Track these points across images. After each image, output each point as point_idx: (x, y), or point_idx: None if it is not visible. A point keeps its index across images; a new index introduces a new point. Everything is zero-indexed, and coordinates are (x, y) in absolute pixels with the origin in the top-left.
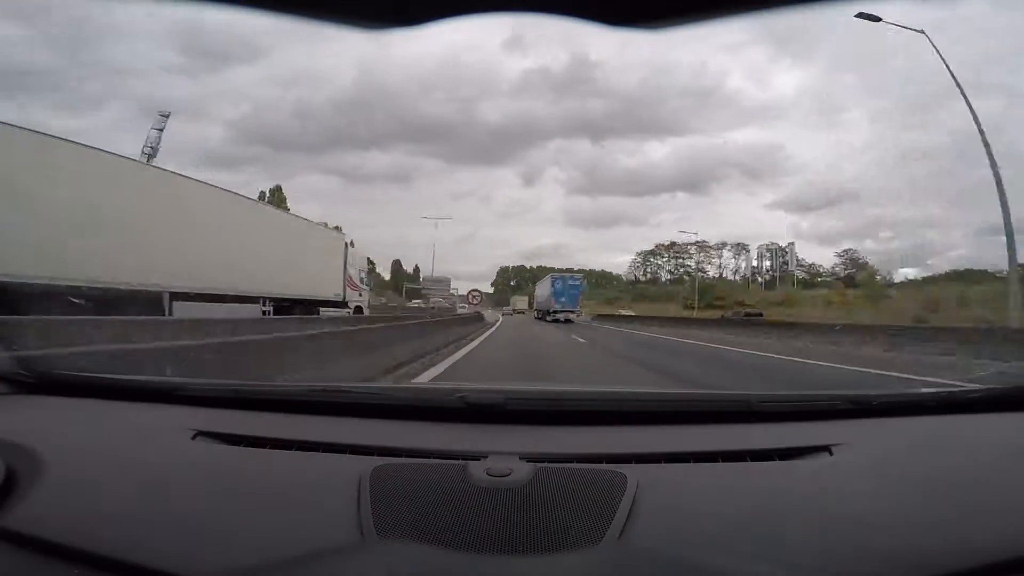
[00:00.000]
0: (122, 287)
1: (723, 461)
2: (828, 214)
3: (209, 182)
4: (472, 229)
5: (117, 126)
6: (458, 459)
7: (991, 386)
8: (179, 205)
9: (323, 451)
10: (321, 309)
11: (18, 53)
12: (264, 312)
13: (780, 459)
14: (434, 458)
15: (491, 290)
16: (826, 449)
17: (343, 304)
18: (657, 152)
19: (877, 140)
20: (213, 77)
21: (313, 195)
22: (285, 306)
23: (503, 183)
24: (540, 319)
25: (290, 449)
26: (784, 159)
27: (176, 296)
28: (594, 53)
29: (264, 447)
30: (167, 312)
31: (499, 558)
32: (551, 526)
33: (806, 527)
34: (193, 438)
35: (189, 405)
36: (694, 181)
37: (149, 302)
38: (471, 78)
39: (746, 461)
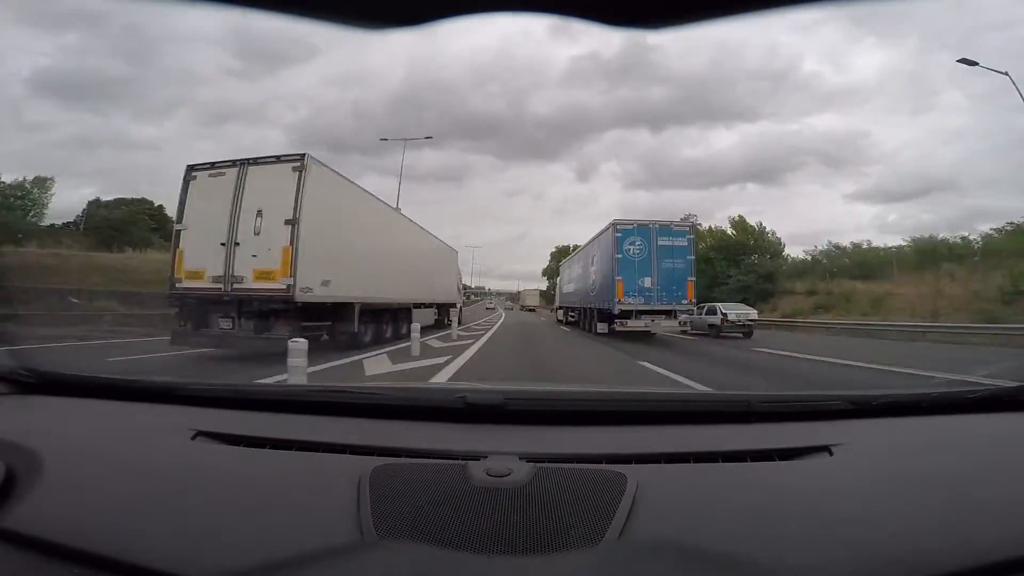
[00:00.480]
0: (394, 302)
1: (723, 461)
2: (917, 205)
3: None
4: (525, 229)
5: (189, 132)
6: (458, 459)
7: (991, 386)
8: (403, 238)
9: (323, 451)
10: (451, 309)
11: (92, 63)
12: (435, 314)
13: (780, 459)
14: (434, 458)
15: (544, 284)
16: (826, 449)
17: (454, 305)
18: (724, 140)
19: (979, 123)
20: (271, 80)
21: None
22: (439, 309)
23: (557, 179)
24: (573, 325)
25: (290, 449)
26: (868, 147)
27: (416, 305)
28: (651, 35)
29: (264, 447)
30: (412, 317)
31: (499, 558)
32: (551, 526)
33: (806, 527)
34: (193, 438)
35: (189, 405)
36: (766, 171)
37: (405, 311)
38: (520, 68)
39: (746, 461)
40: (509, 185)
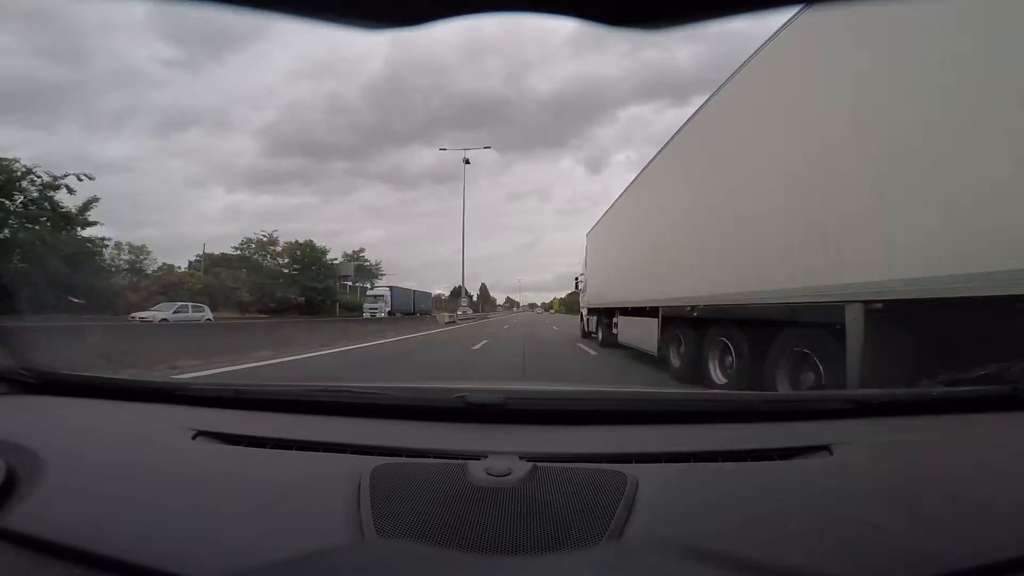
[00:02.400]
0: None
1: (723, 461)
2: None
3: None
4: (534, 237)
5: (157, 147)
6: (458, 459)
7: (991, 386)
8: None
9: (323, 451)
10: None
11: (17, 64)
12: None
13: (780, 459)
14: (434, 458)
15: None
16: (826, 449)
17: None
18: None
19: None
20: (221, 69)
21: (370, 213)
22: None
23: (564, 175)
24: None
25: (290, 449)
26: None
27: None
28: (652, 35)
29: (264, 447)
30: None
31: (499, 558)
32: (551, 526)
33: (806, 527)
34: (193, 438)
35: (189, 405)
36: None
37: None
38: (522, 35)
39: (746, 461)
40: (514, 186)
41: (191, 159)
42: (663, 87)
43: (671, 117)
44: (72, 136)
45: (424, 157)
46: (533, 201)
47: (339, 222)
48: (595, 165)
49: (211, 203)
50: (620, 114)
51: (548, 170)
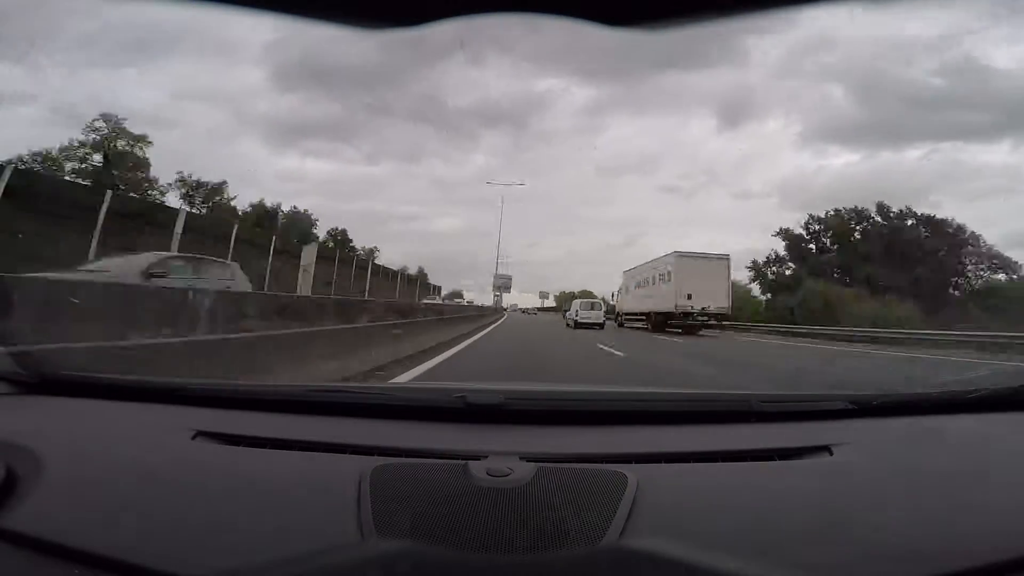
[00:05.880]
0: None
1: (723, 461)
2: None
3: None
4: (635, 230)
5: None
6: (458, 459)
7: (991, 386)
8: None
9: (323, 451)
10: None
11: None
12: None
13: (780, 459)
14: (434, 458)
15: None
16: (826, 449)
17: None
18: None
19: None
20: None
21: (439, 189)
22: None
23: (685, 132)
24: None
25: (290, 449)
26: None
27: None
28: (652, 35)
29: (264, 447)
30: None
31: (500, 558)
32: (551, 526)
33: (806, 527)
34: (193, 438)
35: (189, 405)
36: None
37: None
38: None
39: (746, 461)
40: (609, 152)
41: (209, 104)
42: None
43: (883, 20)
44: (59, 77)
45: (469, 83)
46: (632, 180)
47: (413, 203)
48: (734, 114)
49: (264, 167)
50: (802, 14)
51: (661, 118)
